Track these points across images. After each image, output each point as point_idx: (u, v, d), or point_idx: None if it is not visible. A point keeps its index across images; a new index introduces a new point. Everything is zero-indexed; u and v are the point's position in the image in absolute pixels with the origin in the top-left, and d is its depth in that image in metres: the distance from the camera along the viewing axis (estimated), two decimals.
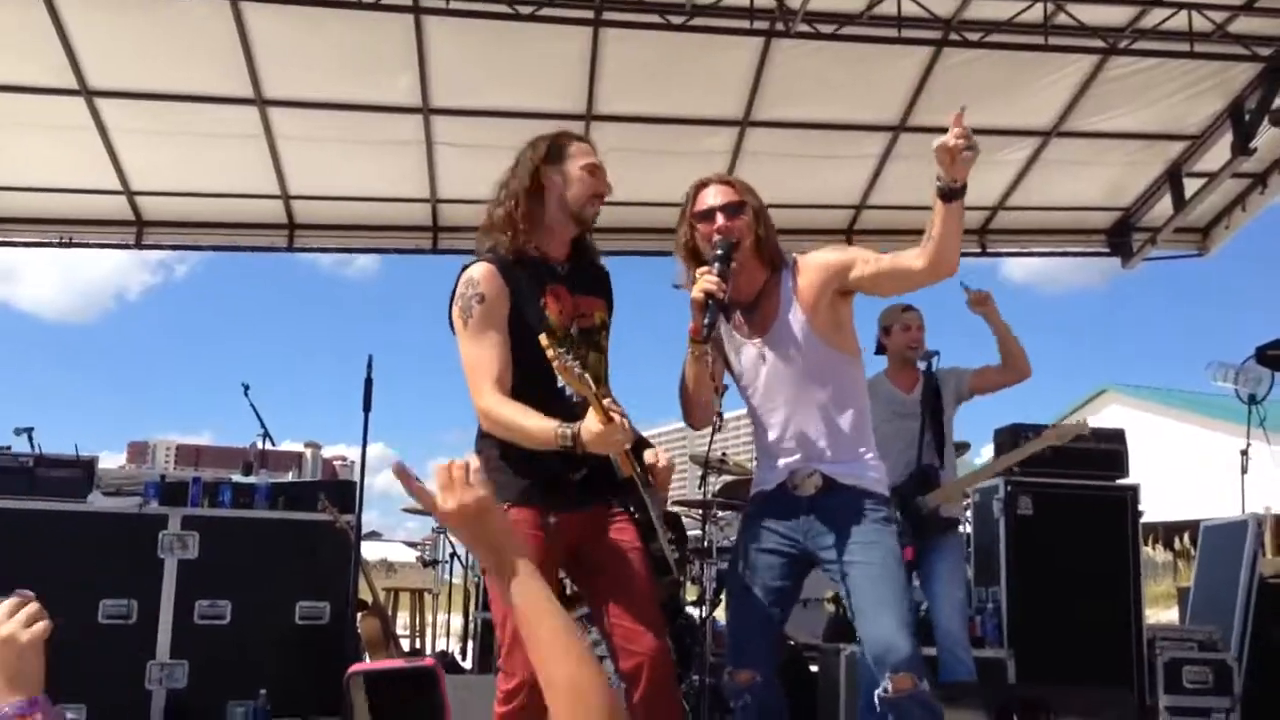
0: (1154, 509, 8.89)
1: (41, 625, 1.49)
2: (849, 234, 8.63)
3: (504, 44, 6.78)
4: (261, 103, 7.16)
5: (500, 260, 2.89)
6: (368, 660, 5.57)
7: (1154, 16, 6.84)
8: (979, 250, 9.13)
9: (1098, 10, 6.80)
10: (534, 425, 2.68)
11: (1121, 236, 9.15)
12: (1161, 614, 10.47)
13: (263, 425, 6.49)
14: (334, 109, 7.32)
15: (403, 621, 7.94)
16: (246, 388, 6.50)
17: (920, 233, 2.87)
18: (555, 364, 2.50)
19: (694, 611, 5.67)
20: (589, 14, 6.58)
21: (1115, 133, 8.03)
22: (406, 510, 7.02)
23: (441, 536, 6.87)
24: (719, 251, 2.96)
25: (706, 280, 2.89)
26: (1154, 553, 16.27)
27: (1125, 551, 5.61)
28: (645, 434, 3.08)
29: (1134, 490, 5.70)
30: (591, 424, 2.58)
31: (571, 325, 2.93)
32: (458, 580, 7.39)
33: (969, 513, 5.97)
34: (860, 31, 6.74)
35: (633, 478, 2.87)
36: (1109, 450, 5.78)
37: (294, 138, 7.58)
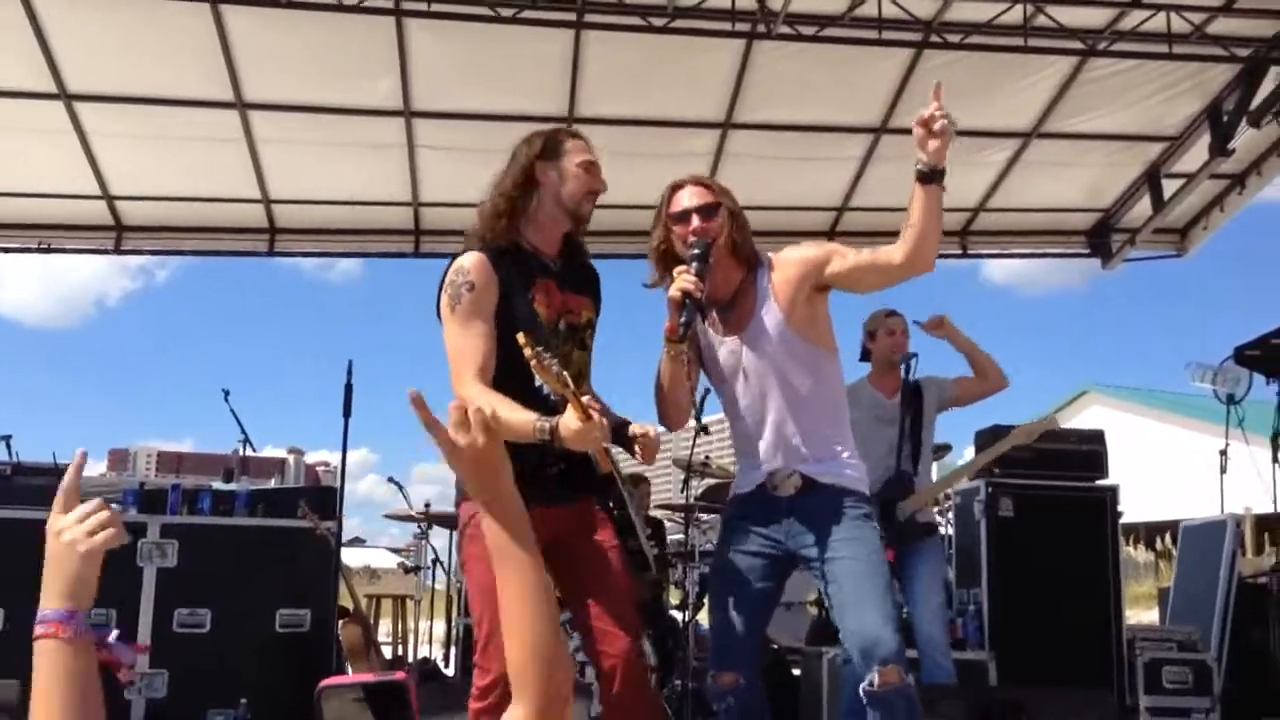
0: (1136, 509, 8.94)
1: (105, 535, 1.44)
2: (831, 236, 8.63)
3: (486, 46, 6.77)
4: (242, 106, 7.13)
5: (491, 250, 2.89)
6: (349, 668, 5.54)
7: (1133, 18, 6.88)
8: (960, 252, 9.16)
9: (1077, 12, 6.83)
10: (513, 417, 2.68)
11: (1101, 238, 9.19)
12: (1143, 614, 10.52)
13: (243, 431, 6.46)
14: (315, 112, 7.29)
15: (385, 628, 7.91)
16: (227, 393, 6.47)
17: None
18: (532, 363, 2.50)
19: (677, 615, 5.67)
20: (571, 16, 6.57)
21: (1095, 134, 8.06)
22: (389, 516, 7.00)
23: (424, 542, 6.84)
24: (696, 251, 2.96)
25: (684, 279, 2.89)
26: (1136, 553, 16.36)
27: (1105, 552, 5.63)
28: None
29: (1113, 491, 5.72)
30: (570, 420, 2.57)
31: (559, 321, 2.93)
32: (440, 586, 7.37)
33: (950, 515, 5.99)
34: (841, 33, 6.76)
35: (612, 474, 2.87)
36: (1089, 451, 5.80)
37: (274, 141, 7.54)
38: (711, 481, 6.32)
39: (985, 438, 5.54)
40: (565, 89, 7.19)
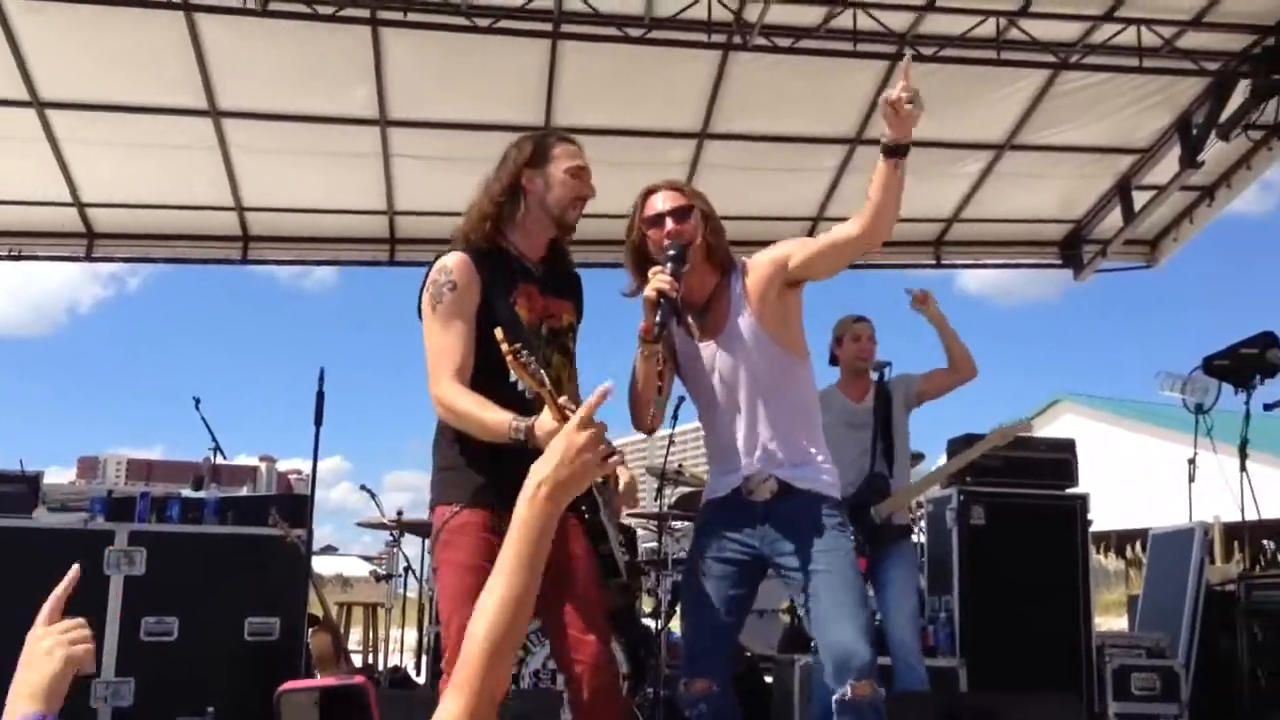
0: (1107, 518, 8.99)
1: (85, 648, 1.52)
2: None
3: (462, 56, 6.77)
4: (215, 114, 7.10)
5: (475, 252, 2.89)
6: (319, 676, 5.51)
7: (1104, 32, 6.96)
8: (934, 262, 9.22)
9: (1049, 26, 6.90)
10: (489, 417, 2.67)
11: (1073, 248, 9.27)
12: (1114, 621, 10.58)
13: (214, 439, 6.42)
14: (289, 120, 7.27)
15: (356, 637, 7.87)
16: (198, 401, 6.44)
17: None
18: (509, 359, 2.49)
19: (650, 623, 5.67)
20: (547, 26, 6.58)
21: (1066, 146, 8.14)
22: (361, 524, 6.97)
23: (396, 550, 6.81)
24: (671, 252, 2.97)
25: (659, 279, 2.90)
26: (1107, 561, 16.46)
27: (1075, 560, 5.66)
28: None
29: (1083, 499, 5.76)
30: (546, 421, 2.57)
31: (540, 325, 2.93)
32: (412, 595, 7.34)
33: (923, 522, 6.02)
34: (817, 45, 6.81)
35: None
36: (1059, 460, 5.85)
37: (249, 149, 7.52)
38: (685, 490, 6.33)
39: (958, 445, 5.57)
40: (542, 99, 7.20)
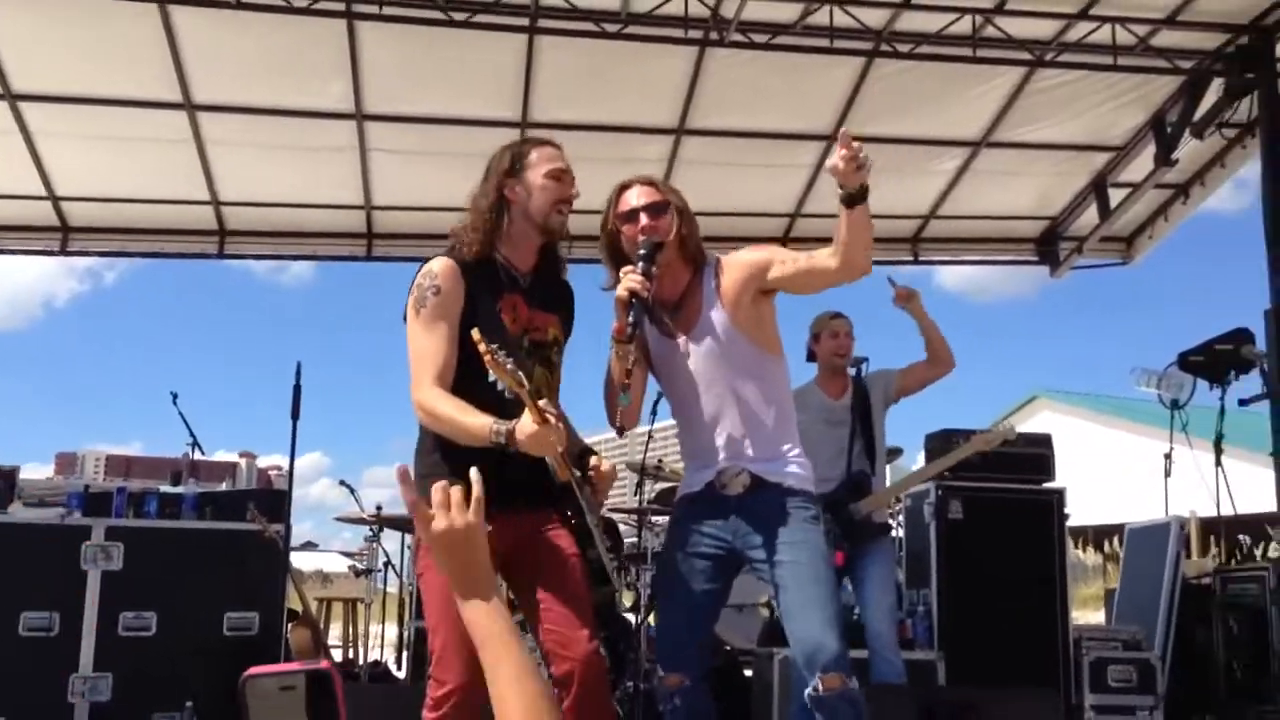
0: (1084, 512, 9.05)
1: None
2: (784, 243, 8.68)
3: (438, 50, 6.76)
4: (190, 107, 7.06)
5: (462, 260, 2.89)
6: None
7: (1079, 30, 7.01)
8: (911, 259, 9.27)
9: (1025, 23, 6.95)
10: (470, 421, 2.67)
11: (1049, 245, 9.35)
12: (1091, 615, 10.67)
13: (192, 435, 6.37)
14: (265, 114, 7.24)
15: (336, 632, 7.85)
16: (175, 396, 6.40)
17: None
18: (487, 358, 2.49)
19: (629, 617, 5.68)
20: (524, 21, 6.58)
21: (1042, 143, 8.21)
22: (341, 520, 6.94)
23: (376, 545, 6.79)
24: (643, 251, 2.97)
25: (631, 279, 2.90)
26: (1084, 555, 16.58)
27: (1052, 554, 5.68)
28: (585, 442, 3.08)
29: (1060, 494, 5.79)
30: (526, 424, 2.57)
31: (523, 337, 2.92)
32: (392, 590, 7.32)
33: (901, 517, 6.04)
34: (793, 41, 6.82)
35: (570, 483, 2.86)
36: (1036, 454, 5.87)
37: (224, 143, 7.49)
38: (664, 485, 6.33)
39: (936, 441, 5.60)
40: (518, 94, 7.19)
